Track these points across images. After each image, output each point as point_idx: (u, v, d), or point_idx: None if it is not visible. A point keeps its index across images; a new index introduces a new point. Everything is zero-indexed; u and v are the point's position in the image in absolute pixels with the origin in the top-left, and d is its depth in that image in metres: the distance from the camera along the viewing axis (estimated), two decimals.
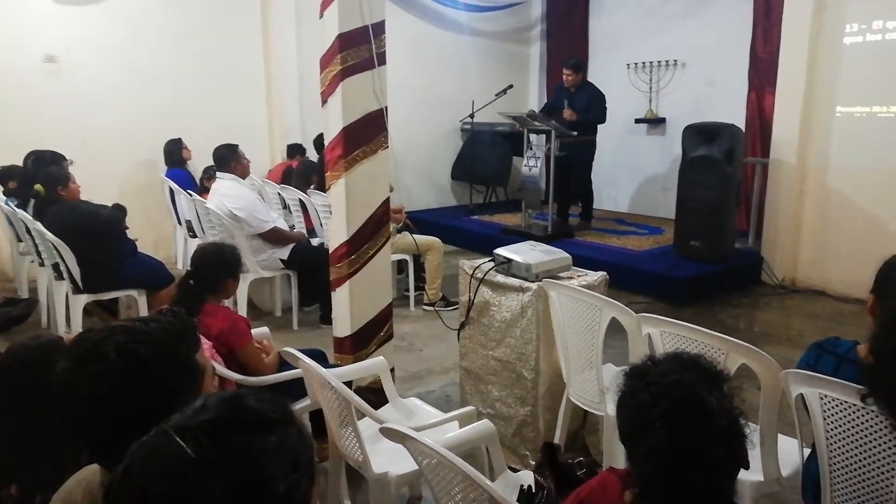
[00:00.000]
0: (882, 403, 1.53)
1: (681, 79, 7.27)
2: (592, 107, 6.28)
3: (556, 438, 2.73)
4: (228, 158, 4.77)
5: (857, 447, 1.68)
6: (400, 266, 5.14)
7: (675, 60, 7.24)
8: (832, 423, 1.71)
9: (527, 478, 2.07)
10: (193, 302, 2.64)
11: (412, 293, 5.19)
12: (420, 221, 6.13)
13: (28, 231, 4.37)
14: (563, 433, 2.76)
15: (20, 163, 5.06)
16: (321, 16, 3.04)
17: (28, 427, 1.51)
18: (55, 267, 4.15)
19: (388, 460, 2.19)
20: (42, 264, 4.44)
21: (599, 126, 6.45)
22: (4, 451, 1.52)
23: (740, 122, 6.24)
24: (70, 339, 1.73)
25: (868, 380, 1.57)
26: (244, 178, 4.90)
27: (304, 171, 5.53)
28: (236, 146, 4.87)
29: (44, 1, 5.79)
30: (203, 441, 0.74)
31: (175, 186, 5.66)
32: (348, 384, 2.40)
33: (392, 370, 2.84)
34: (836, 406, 1.69)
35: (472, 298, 3.01)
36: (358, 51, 3.00)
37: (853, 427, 1.67)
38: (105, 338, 1.06)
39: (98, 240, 4.04)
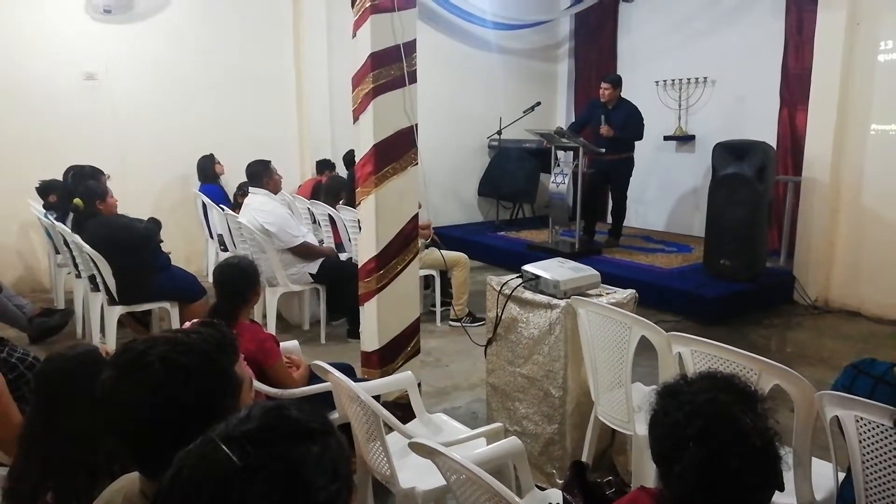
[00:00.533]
0: None
1: (710, 96, 7.23)
2: (630, 123, 6.24)
3: (584, 457, 2.71)
4: (261, 174, 4.86)
5: (894, 471, 1.64)
6: (426, 281, 5.17)
7: (705, 77, 7.21)
8: (868, 446, 1.68)
9: (554, 496, 2.06)
10: (229, 321, 2.67)
11: (438, 308, 5.20)
12: (447, 237, 6.16)
13: (66, 243, 4.49)
14: (591, 452, 2.73)
15: (60, 177, 5.21)
16: (354, 35, 3.10)
17: (65, 435, 1.55)
18: (91, 279, 4.26)
19: (416, 475, 2.20)
20: (78, 276, 4.56)
21: None
22: (42, 458, 1.56)
23: (772, 140, 6.17)
24: (105, 349, 1.78)
25: None
26: (276, 194, 4.98)
27: (332, 186, 5.59)
28: (269, 162, 4.97)
29: (83, 20, 5.99)
30: (248, 449, 0.77)
31: (208, 201, 5.77)
32: (376, 398, 2.42)
33: (419, 385, 2.85)
34: (873, 429, 1.66)
35: (499, 315, 3.01)
36: (389, 69, 3.05)
37: (890, 451, 1.64)
38: (148, 348, 1.10)
39: (134, 253, 4.14)
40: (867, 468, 1.69)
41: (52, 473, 1.55)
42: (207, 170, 6.32)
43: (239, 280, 2.75)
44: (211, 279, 5.64)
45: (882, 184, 5.22)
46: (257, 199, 4.77)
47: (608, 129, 6.21)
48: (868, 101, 5.22)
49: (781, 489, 1.15)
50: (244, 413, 0.83)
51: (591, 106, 6.71)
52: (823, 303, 5.54)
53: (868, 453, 1.68)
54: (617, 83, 6.41)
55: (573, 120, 7.81)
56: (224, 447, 0.77)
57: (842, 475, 1.89)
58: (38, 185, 5.21)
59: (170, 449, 0.84)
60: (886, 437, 1.63)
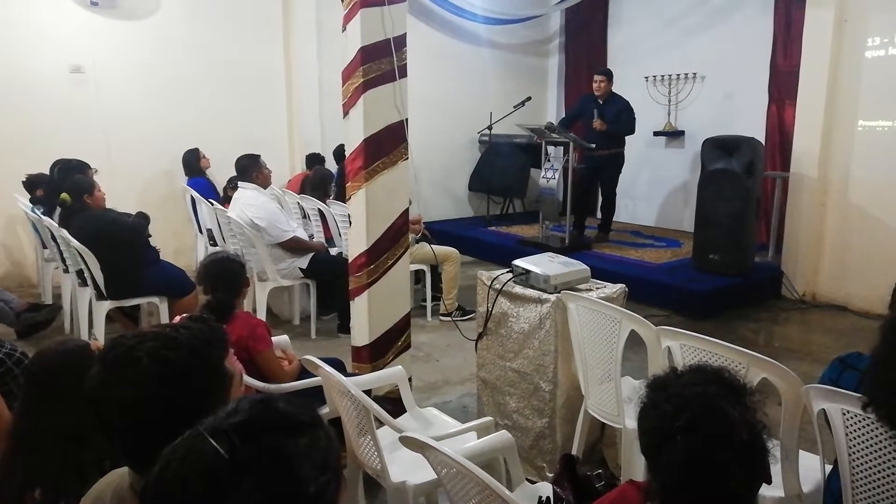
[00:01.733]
0: (881, 412, 1.53)
1: (700, 91, 7.25)
2: (622, 118, 6.25)
3: (574, 451, 2.72)
4: (250, 168, 4.84)
5: (879, 463, 1.66)
6: (417, 276, 5.16)
7: (695, 73, 7.23)
8: (854, 438, 1.70)
9: (545, 489, 2.07)
10: (232, 312, 2.68)
11: (429, 303, 5.20)
12: (437, 232, 6.15)
13: (53, 238, 4.45)
14: (581, 445, 2.75)
15: (47, 171, 5.16)
16: (344, 29, 3.09)
17: (54, 432, 1.54)
18: (79, 273, 4.23)
19: (406, 469, 2.20)
20: (66, 271, 4.52)
21: None
22: (30, 455, 1.55)
23: (760, 136, 6.20)
24: (97, 346, 1.76)
25: (868, 388, 1.57)
26: (265, 188, 4.96)
27: (317, 180, 5.54)
28: (258, 156, 4.94)
29: (71, 13, 5.92)
30: (236, 442, 0.76)
31: (197, 195, 5.73)
32: (367, 393, 2.42)
33: (409, 380, 2.85)
34: (859, 422, 1.67)
35: (490, 309, 3.01)
36: (380, 63, 3.03)
37: (876, 443, 1.65)
38: (137, 343, 1.09)
39: (122, 247, 4.11)
40: (853, 460, 1.71)
41: (40, 470, 1.53)
42: (192, 164, 6.27)
43: (239, 271, 2.80)
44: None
45: (869, 179, 5.26)
46: (246, 194, 4.75)
47: (601, 122, 6.22)
48: (855, 97, 5.25)
49: (769, 482, 1.16)
50: (232, 406, 0.83)
51: (583, 101, 6.72)
52: (811, 297, 5.59)
53: (854, 446, 1.70)
54: (610, 76, 6.43)
55: (563, 115, 7.81)
56: (212, 440, 0.76)
57: (829, 467, 1.91)
58: (24, 179, 5.16)
59: (159, 444, 0.84)
60: (872, 430, 1.65)
